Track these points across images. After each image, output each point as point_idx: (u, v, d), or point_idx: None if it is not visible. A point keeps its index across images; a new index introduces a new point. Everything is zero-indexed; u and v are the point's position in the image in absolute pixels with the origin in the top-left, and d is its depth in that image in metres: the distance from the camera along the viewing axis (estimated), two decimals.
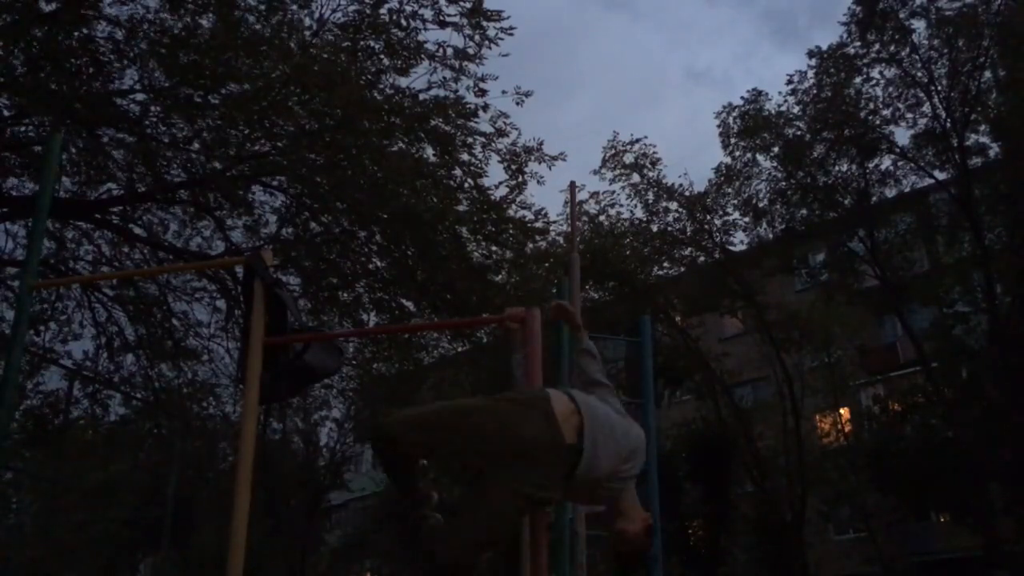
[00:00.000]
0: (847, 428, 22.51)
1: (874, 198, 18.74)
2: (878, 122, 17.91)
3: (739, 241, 20.31)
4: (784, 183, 18.91)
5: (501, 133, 10.33)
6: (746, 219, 19.67)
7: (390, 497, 26.79)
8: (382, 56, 9.85)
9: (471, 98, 9.99)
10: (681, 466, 20.45)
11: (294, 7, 9.39)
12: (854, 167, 18.50)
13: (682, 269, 20.69)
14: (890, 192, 18.87)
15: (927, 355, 18.54)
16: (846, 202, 18.63)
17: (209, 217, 11.04)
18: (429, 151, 10.16)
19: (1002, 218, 17.38)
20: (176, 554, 25.51)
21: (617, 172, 19.65)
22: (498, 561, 16.97)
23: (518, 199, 10.84)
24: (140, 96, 9.36)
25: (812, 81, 17.90)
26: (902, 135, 19.28)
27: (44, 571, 22.69)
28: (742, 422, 20.40)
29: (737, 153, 19.16)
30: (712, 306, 20.76)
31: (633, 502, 3.07)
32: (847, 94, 17.72)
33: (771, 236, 19.62)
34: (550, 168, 10.81)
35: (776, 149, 18.59)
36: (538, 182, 10.84)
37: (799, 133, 18.37)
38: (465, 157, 10.28)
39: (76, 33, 8.49)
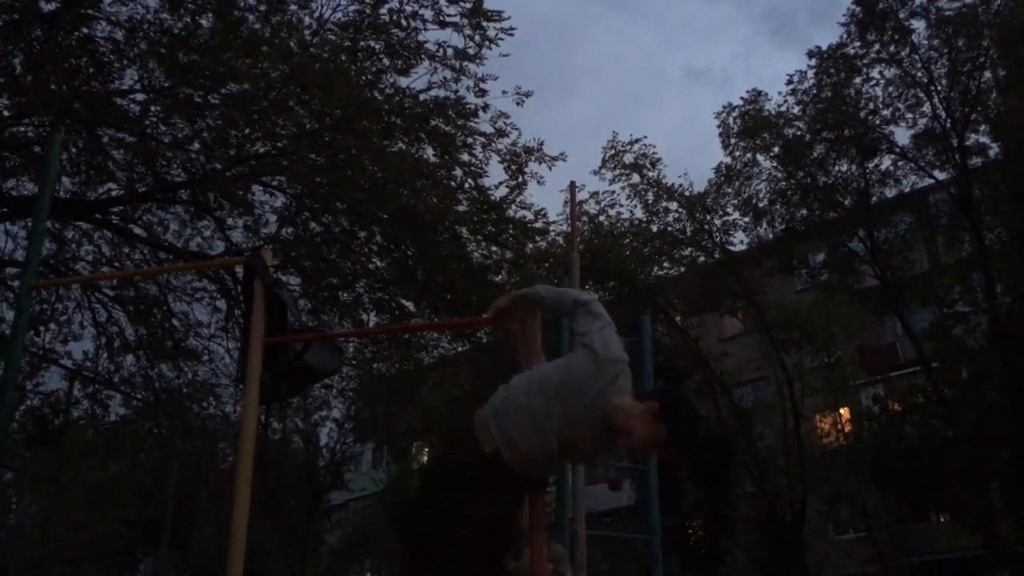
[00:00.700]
0: (847, 428, 22.50)
1: (874, 198, 18.74)
2: (878, 122, 17.93)
3: (739, 241, 20.35)
4: (784, 183, 18.92)
5: (501, 133, 10.35)
6: (746, 219, 19.71)
7: (390, 497, 26.84)
8: (382, 56, 9.85)
9: (471, 98, 10.02)
10: (681, 466, 20.43)
11: (294, 7, 9.39)
12: (854, 167, 18.51)
13: (682, 269, 20.68)
14: (890, 192, 18.90)
15: (927, 355, 18.54)
16: (846, 202, 18.64)
17: (209, 217, 11.04)
18: (429, 151, 10.17)
19: (1002, 218, 17.38)
20: (176, 554, 25.50)
21: (617, 172, 19.68)
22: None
23: (518, 199, 10.86)
24: (140, 96, 9.36)
25: (812, 81, 17.92)
26: (902, 135, 19.31)
27: (44, 571, 22.70)
28: (742, 422, 20.40)
29: (737, 153, 19.20)
30: (712, 306, 20.76)
31: (625, 402, 2.93)
32: (847, 94, 17.73)
33: (771, 236, 19.63)
34: (550, 168, 10.84)
35: (776, 149, 18.60)
36: (538, 182, 10.86)
37: (799, 133, 18.37)
38: (465, 157, 10.29)
39: (76, 33, 8.49)
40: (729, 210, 19.87)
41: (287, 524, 25.07)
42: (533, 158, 10.69)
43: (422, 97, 9.90)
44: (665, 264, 20.49)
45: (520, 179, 10.70)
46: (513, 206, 10.81)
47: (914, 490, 18.47)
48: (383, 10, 9.61)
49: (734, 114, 18.94)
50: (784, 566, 19.23)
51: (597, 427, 2.92)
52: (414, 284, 10.58)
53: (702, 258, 20.51)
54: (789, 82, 18.11)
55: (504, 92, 10.30)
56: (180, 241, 11.52)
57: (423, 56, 9.78)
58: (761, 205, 19.26)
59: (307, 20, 9.68)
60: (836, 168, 18.55)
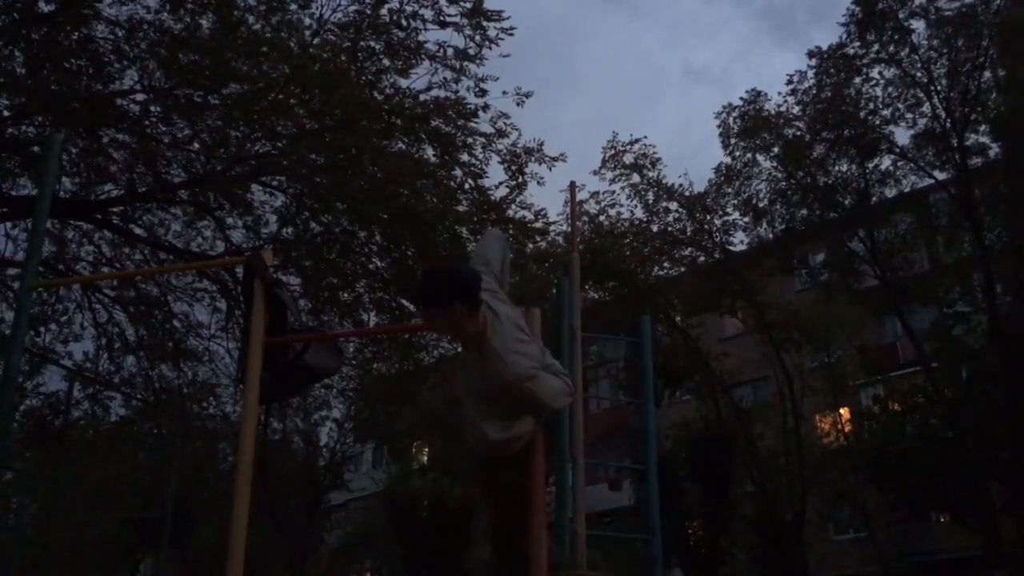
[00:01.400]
0: (847, 428, 22.51)
1: (874, 198, 18.75)
2: (878, 122, 17.93)
3: (739, 241, 20.35)
4: (784, 183, 18.92)
5: (501, 134, 10.35)
6: (746, 219, 19.70)
7: (390, 497, 26.84)
8: (382, 56, 9.85)
9: (471, 98, 10.01)
10: (681, 466, 20.45)
11: (294, 7, 9.39)
12: (854, 167, 18.51)
13: (682, 269, 20.68)
14: (890, 192, 18.90)
15: (927, 355, 18.54)
16: (846, 202, 18.63)
17: (209, 217, 11.04)
18: (429, 151, 10.17)
19: (1002, 218, 17.38)
20: (176, 554, 25.50)
21: (617, 172, 19.68)
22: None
23: (518, 199, 10.86)
24: (140, 96, 9.36)
25: (812, 81, 17.93)
26: (902, 135, 19.31)
27: (44, 571, 22.69)
28: (742, 422, 20.40)
29: (737, 153, 19.20)
30: (712, 306, 20.75)
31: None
32: (847, 94, 17.73)
33: (771, 236, 19.63)
34: (550, 169, 10.85)
35: (776, 149, 18.60)
36: (538, 183, 10.87)
37: (799, 133, 18.37)
38: (465, 157, 10.29)
39: (76, 33, 8.49)
40: (729, 210, 19.90)
41: (287, 524, 25.07)
42: (533, 159, 10.70)
43: (422, 97, 9.91)
44: (665, 264, 20.50)
45: (520, 179, 10.70)
46: (513, 206, 10.82)
47: (914, 490, 18.46)
48: (383, 10, 9.62)
49: (734, 114, 18.96)
50: (784, 566, 19.23)
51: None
52: (414, 284, 10.57)
53: (702, 258, 20.51)
54: (789, 82, 18.14)
55: (504, 92, 10.32)
56: (181, 241, 11.53)
57: (423, 56, 9.79)
58: (761, 205, 19.27)
59: (307, 20, 9.70)
60: (836, 168, 18.56)
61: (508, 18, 9.60)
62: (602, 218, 19.73)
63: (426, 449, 28.66)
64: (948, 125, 17.51)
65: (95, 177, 10.00)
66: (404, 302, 10.86)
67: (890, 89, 17.71)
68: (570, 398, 3.30)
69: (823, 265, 20.60)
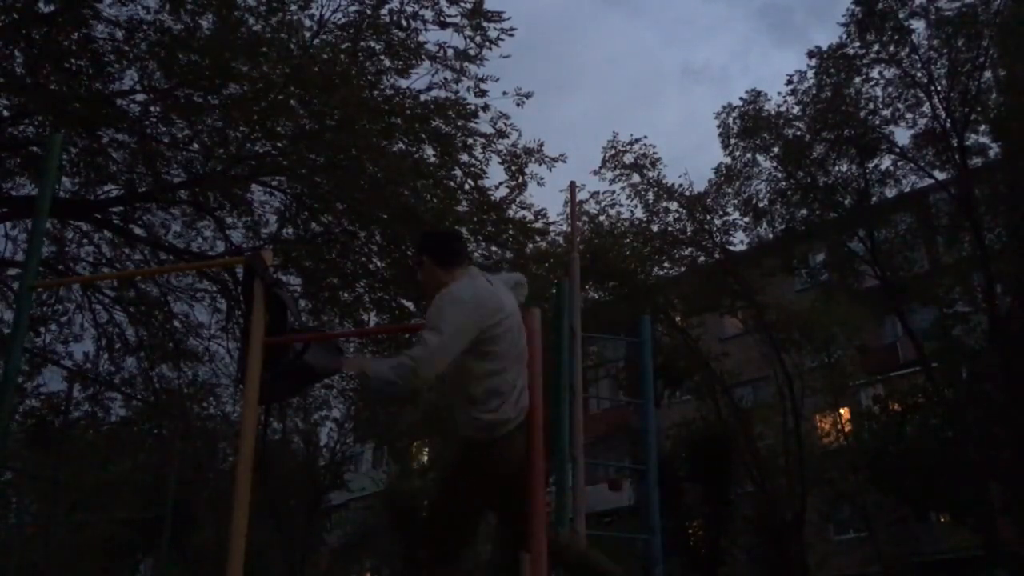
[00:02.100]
0: (847, 428, 22.51)
1: (874, 198, 18.73)
2: (878, 122, 17.90)
3: (739, 241, 20.34)
4: (784, 183, 18.90)
5: (501, 134, 10.36)
6: (746, 219, 19.68)
7: (390, 497, 26.83)
8: (382, 57, 9.86)
9: (471, 99, 10.02)
10: (681, 466, 20.45)
11: (294, 7, 9.39)
12: (854, 167, 18.49)
13: (682, 269, 20.68)
14: (890, 192, 18.87)
15: (927, 355, 18.53)
16: (846, 202, 18.62)
17: (209, 217, 11.04)
18: (429, 151, 10.17)
19: (1002, 218, 17.37)
20: (176, 554, 25.48)
21: (617, 172, 19.69)
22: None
23: (518, 200, 10.87)
24: (140, 96, 9.36)
25: (812, 81, 17.90)
26: (902, 135, 19.33)
27: (44, 571, 22.66)
28: (742, 422, 20.40)
29: (737, 153, 19.18)
30: (712, 306, 20.75)
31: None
32: (847, 94, 17.71)
33: (771, 236, 19.61)
34: (550, 169, 10.86)
35: (776, 149, 18.59)
36: (538, 183, 10.89)
37: (799, 133, 18.36)
38: (465, 158, 10.30)
39: (76, 34, 8.49)
40: (729, 210, 19.89)
41: (287, 524, 25.06)
42: (533, 159, 10.71)
43: (422, 98, 9.92)
44: (665, 264, 20.50)
45: (520, 180, 10.71)
46: (513, 206, 10.83)
47: (914, 490, 18.47)
48: (383, 11, 9.62)
49: (734, 114, 18.94)
50: (784, 566, 19.22)
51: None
52: (414, 284, 10.58)
53: (702, 258, 20.51)
54: (789, 82, 18.11)
55: (504, 93, 10.33)
56: (181, 242, 11.53)
57: (423, 57, 9.79)
58: (761, 205, 19.25)
59: (307, 21, 9.69)
60: (836, 168, 18.54)
61: (508, 19, 9.62)
62: (602, 218, 19.76)
63: (426, 449, 28.66)
64: (948, 125, 17.50)
65: (95, 177, 10.00)
66: (404, 302, 10.87)
67: (890, 89, 17.70)
68: (406, 377, 3.14)
69: (823, 265, 20.58)
